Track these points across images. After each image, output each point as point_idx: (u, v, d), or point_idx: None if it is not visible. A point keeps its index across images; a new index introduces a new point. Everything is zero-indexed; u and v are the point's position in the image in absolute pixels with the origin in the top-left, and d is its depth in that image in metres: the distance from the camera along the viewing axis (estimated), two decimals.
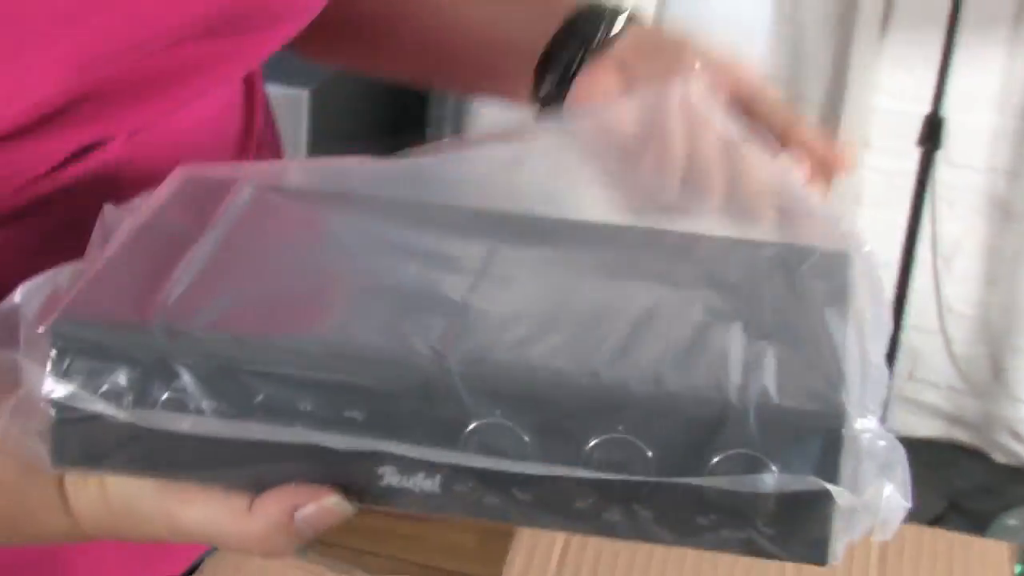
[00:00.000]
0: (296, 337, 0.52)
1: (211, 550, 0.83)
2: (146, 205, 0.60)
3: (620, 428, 0.50)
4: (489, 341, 0.53)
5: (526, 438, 0.50)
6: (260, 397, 0.51)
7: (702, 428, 0.50)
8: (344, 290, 0.56)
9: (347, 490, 0.52)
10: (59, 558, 0.73)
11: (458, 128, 2.17)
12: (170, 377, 0.51)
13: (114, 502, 0.54)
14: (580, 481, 0.50)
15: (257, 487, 0.53)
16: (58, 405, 0.52)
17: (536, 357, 0.52)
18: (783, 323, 0.54)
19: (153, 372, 0.51)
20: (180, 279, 0.55)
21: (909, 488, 0.51)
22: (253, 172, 0.63)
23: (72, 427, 0.52)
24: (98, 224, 0.58)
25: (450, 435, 0.51)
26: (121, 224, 0.58)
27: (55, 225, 0.66)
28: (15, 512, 0.55)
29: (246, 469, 0.52)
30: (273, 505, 0.51)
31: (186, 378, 0.51)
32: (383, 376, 0.51)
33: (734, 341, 0.53)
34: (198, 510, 0.52)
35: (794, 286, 0.57)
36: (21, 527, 0.56)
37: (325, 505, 0.51)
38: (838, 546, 0.51)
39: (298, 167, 0.64)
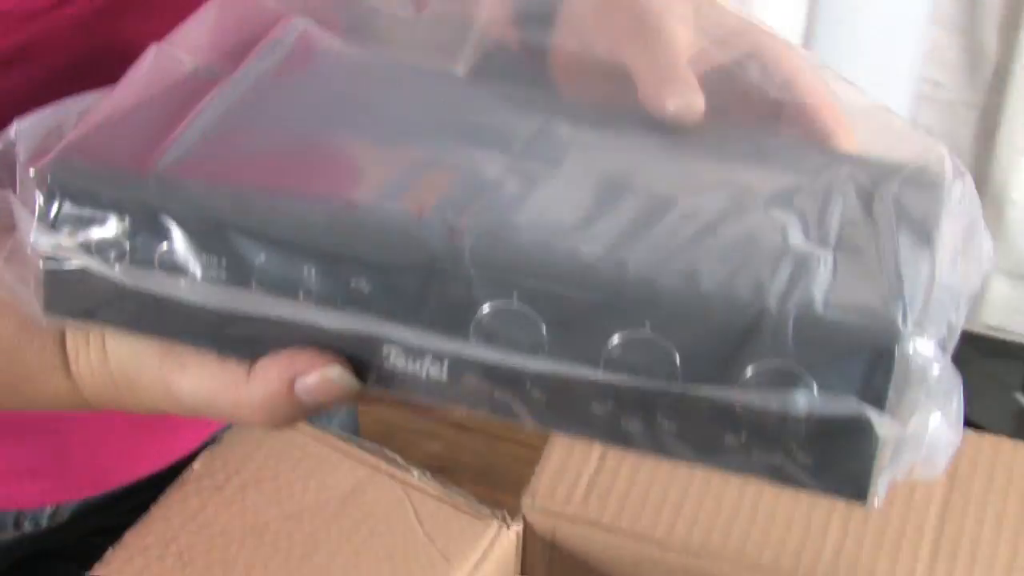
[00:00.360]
0: (300, 198, 0.48)
1: (229, 425, 0.80)
2: (176, 35, 0.54)
3: (647, 325, 0.45)
4: (513, 220, 0.47)
5: (543, 329, 0.46)
6: (256, 261, 0.47)
7: (734, 334, 0.44)
8: (370, 153, 0.51)
9: (351, 366, 0.48)
10: (65, 421, 0.71)
11: None
12: (162, 233, 0.47)
13: (115, 367, 0.50)
14: (601, 382, 0.46)
15: (255, 356, 0.48)
16: (44, 255, 0.48)
17: (561, 241, 0.46)
18: (850, 234, 0.48)
19: (144, 226, 0.47)
20: (193, 125, 0.50)
21: (961, 423, 0.45)
22: (314, 5, 0.57)
23: (62, 278, 0.48)
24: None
25: (459, 320, 0.46)
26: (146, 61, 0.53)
27: (63, 67, 0.62)
28: (14, 372, 0.52)
29: (243, 337, 0.48)
30: (273, 371, 0.47)
31: (178, 235, 0.47)
32: (387, 248, 0.46)
33: (790, 246, 0.47)
34: (193, 378, 0.48)
35: (873, 199, 0.50)
36: (20, 388, 0.53)
37: (327, 376, 0.47)
38: (881, 483, 0.45)
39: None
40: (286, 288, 0.47)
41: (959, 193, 0.51)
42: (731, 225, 0.48)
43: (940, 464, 0.45)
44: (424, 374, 0.48)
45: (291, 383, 0.47)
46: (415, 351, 0.47)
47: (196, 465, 0.76)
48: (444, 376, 0.47)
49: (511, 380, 0.47)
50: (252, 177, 0.49)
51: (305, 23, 0.57)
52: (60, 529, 0.76)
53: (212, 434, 0.78)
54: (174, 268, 0.48)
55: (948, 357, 0.45)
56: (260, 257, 0.47)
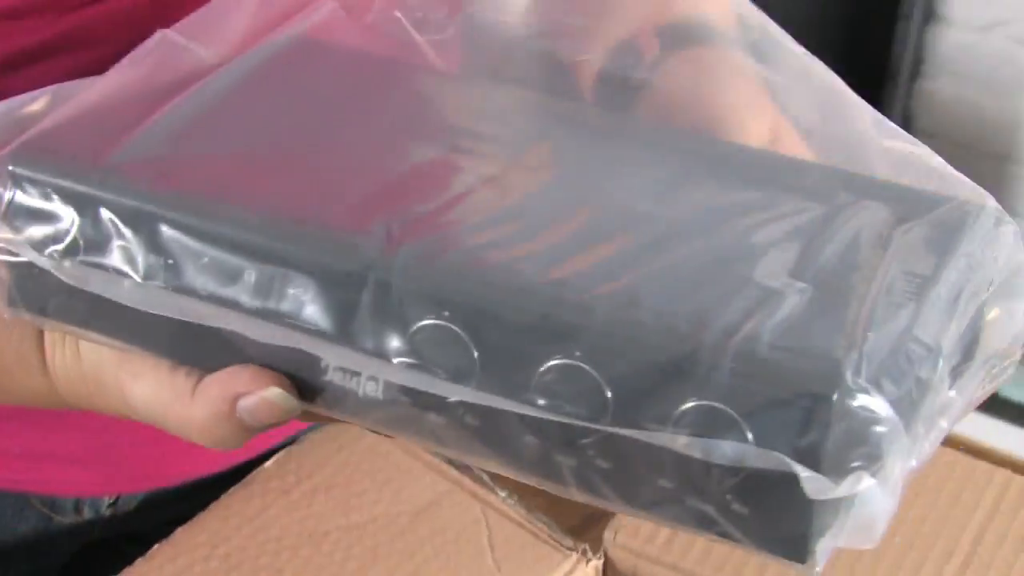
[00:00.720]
0: (242, 201, 0.45)
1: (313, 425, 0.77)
2: (191, 20, 0.52)
3: (577, 354, 0.41)
4: (461, 236, 0.44)
5: (473, 352, 0.42)
6: (193, 266, 0.45)
7: (667, 369, 0.40)
8: (338, 159, 0.48)
9: (291, 380, 0.45)
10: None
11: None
12: (105, 232, 0.45)
13: (86, 367, 0.49)
14: (528, 413, 0.42)
15: (202, 364, 0.46)
16: None
17: (503, 260, 0.43)
18: (839, 271, 0.43)
19: (89, 223, 0.46)
20: (165, 119, 0.48)
21: (899, 489, 0.39)
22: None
23: (21, 272, 0.47)
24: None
25: (391, 337, 0.43)
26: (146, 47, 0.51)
27: (107, 57, 0.61)
28: None
29: (191, 347, 0.46)
30: (215, 390, 0.45)
31: (120, 235, 0.45)
32: (321, 256, 0.43)
33: (759, 279, 0.42)
34: (145, 386, 0.47)
35: (886, 236, 0.45)
36: None
37: (267, 397, 0.44)
38: (820, 546, 0.40)
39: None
40: (224, 296, 0.44)
41: (999, 241, 0.45)
42: (698, 253, 0.43)
43: (875, 533, 0.39)
44: (361, 392, 0.44)
45: (233, 403, 0.45)
46: (351, 369, 0.44)
47: (268, 464, 0.73)
48: (380, 394, 0.44)
49: (444, 405, 0.43)
50: (203, 177, 0.46)
51: (331, 8, 0.53)
52: (134, 516, 0.74)
53: (290, 436, 0.75)
54: (115, 269, 0.45)
55: (906, 416, 0.39)
56: (198, 261, 0.45)
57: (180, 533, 0.69)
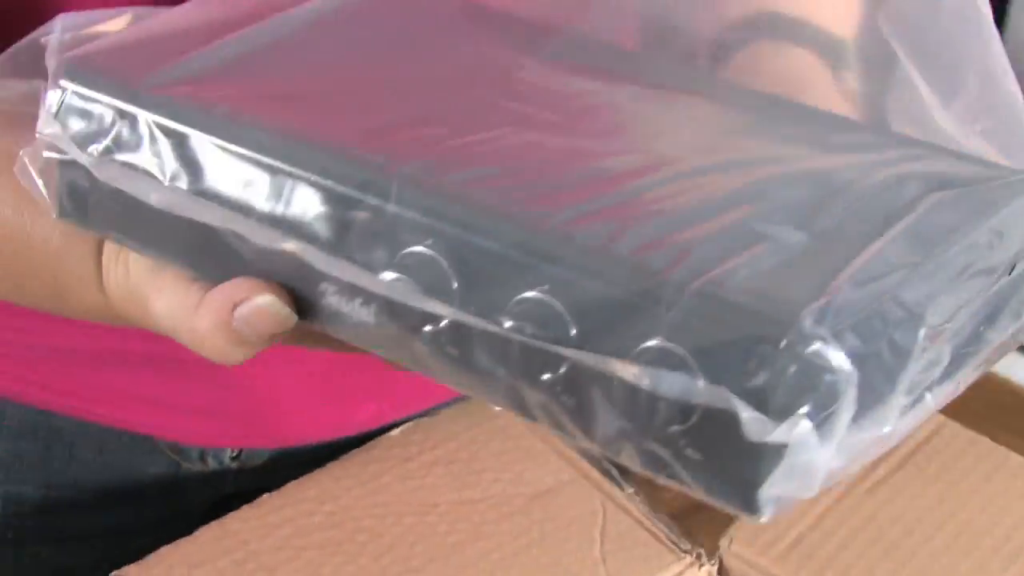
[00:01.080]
0: (268, 117, 0.46)
1: (447, 400, 0.76)
2: None
3: (546, 287, 0.40)
4: (462, 166, 0.43)
5: (453, 281, 0.41)
6: (212, 172, 0.46)
7: (631, 304, 0.38)
8: (387, 94, 0.48)
9: (294, 300, 0.46)
10: (224, 370, 0.70)
11: None
12: (138, 138, 0.47)
13: (133, 283, 0.50)
14: (499, 343, 0.41)
15: (216, 278, 0.47)
16: (49, 147, 0.49)
17: (495, 192, 0.42)
18: (843, 228, 0.40)
19: (124, 129, 0.47)
20: (221, 47, 0.49)
21: (833, 444, 0.36)
22: None
23: (65, 174, 0.49)
24: None
25: (381, 259, 0.43)
26: None
27: None
28: (58, 278, 0.53)
29: (203, 256, 0.47)
30: (217, 300, 0.45)
31: (152, 142, 0.47)
32: (324, 173, 0.44)
33: (756, 226, 0.40)
34: (165, 299, 0.47)
35: (912, 199, 0.42)
36: (64, 295, 0.54)
37: (259, 303, 0.44)
38: (765, 496, 0.37)
39: None
40: (237, 201, 0.45)
41: None
42: (707, 197, 0.42)
43: (811, 482, 0.36)
44: (355, 314, 0.44)
45: (232, 311, 0.45)
46: (349, 289, 0.44)
47: (395, 432, 0.73)
48: (372, 318, 0.44)
49: (427, 333, 0.42)
50: (238, 96, 0.47)
51: None
52: (262, 472, 0.75)
53: (424, 409, 0.74)
54: (144, 171, 0.47)
55: (871, 374, 0.36)
56: (218, 169, 0.46)
57: (291, 486, 0.70)
